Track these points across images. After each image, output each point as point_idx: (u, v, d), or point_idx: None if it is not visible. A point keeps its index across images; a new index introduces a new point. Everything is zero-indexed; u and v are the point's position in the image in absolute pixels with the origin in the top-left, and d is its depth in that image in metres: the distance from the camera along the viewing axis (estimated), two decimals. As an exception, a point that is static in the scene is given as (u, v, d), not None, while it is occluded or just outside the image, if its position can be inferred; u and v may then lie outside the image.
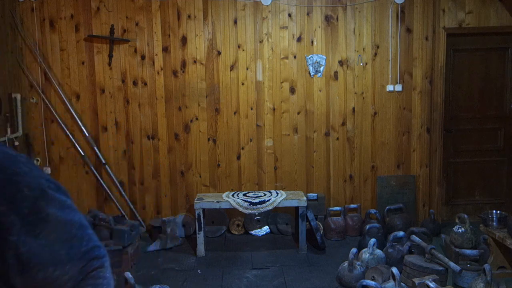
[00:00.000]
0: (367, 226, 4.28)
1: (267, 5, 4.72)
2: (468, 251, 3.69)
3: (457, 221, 4.00)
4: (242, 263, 4.14)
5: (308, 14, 4.76)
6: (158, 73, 4.75)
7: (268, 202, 4.30)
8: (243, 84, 4.81)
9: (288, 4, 4.74)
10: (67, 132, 4.71)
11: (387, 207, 4.77)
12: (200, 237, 4.29)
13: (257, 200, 4.31)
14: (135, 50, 4.71)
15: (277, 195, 4.41)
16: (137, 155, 4.84)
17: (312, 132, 4.89)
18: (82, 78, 4.71)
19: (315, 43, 4.80)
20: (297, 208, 4.39)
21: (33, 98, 4.69)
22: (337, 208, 4.83)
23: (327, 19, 4.77)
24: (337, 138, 4.91)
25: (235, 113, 4.84)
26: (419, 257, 3.54)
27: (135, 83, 4.76)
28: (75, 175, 4.81)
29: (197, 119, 4.83)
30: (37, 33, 4.61)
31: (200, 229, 4.29)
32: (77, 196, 4.84)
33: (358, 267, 3.57)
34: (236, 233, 4.89)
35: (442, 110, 4.84)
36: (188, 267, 4.09)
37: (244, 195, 4.49)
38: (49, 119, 4.72)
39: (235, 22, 4.74)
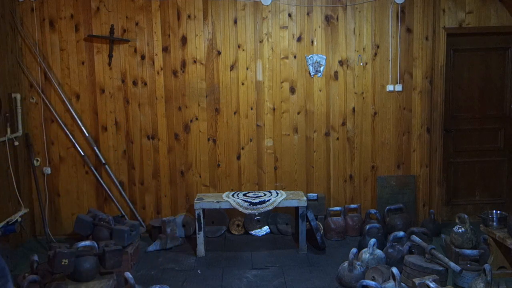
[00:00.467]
0: (367, 226, 4.28)
1: (267, 5, 4.71)
2: (468, 251, 3.69)
3: (457, 221, 4.00)
4: (242, 263, 4.13)
5: (308, 14, 4.76)
6: (158, 73, 4.75)
7: (268, 202, 4.30)
8: (243, 84, 4.81)
9: (288, 4, 4.73)
10: (67, 132, 4.71)
11: (387, 207, 4.77)
12: (200, 237, 4.29)
13: (257, 200, 4.31)
14: (135, 50, 4.71)
15: (277, 195, 4.41)
16: (137, 155, 4.84)
17: (312, 132, 4.89)
18: (82, 78, 4.71)
19: (315, 43, 4.79)
20: (297, 208, 4.39)
21: (33, 98, 4.69)
22: (337, 208, 4.82)
23: (327, 19, 4.77)
24: (337, 138, 4.91)
25: (235, 113, 4.84)
26: (419, 257, 3.53)
27: (135, 83, 4.75)
28: (75, 175, 4.81)
29: (197, 119, 4.83)
30: (37, 33, 4.61)
31: (200, 229, 4.28)
32: (77, 196, 4.84)
33: (358, 267, 3.57)
34: (236, 233, 4.89)
35: (442, 110, 4.84)
36: (188, 267, 4.09)
37: (244, 195, 4.49)
38: (49, 119, 4.72)
39: (235, 22, 4.74)
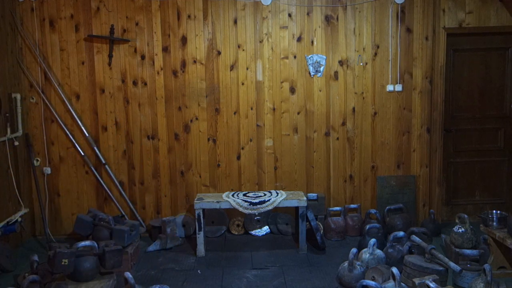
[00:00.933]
0: (367, 226, 4.28)
1: (267, 5, 4.71)
2: (468, 251, 3.69)
3: (457, 221, 4.00)
4: (242, 263, 4.13)
5: (308, 14, 4.76)
6: (158, 73, 4.75)
7: (268, 202, 4.30)
8: (243, 84, 4.81)
9: (288, 4, 4.73)
10: (67, 132, 4.71)
11: (387, 207, 4.77)
12: (200, 237, 4.29)
13: (257, 200, 4.31)
14: (135, 50, 4.71)
15: (277, 195, 4.41)
16: (137, 155, 4.84)
17: (312, 132, 4.89)
18: (82, 78, 4.71)
19: (315, 43, 4.79)
20: (297, 208, 4.39)
21: (33, 98, 4.69)
22: (337, 208, 4.83)
23: (327, 19, 4.77)
24: (337, 138, 4.91)
25: (235, 113, 4.84)
26: (419, 257, 3.53)
27: (135, 83, 4.75)
28: (75, 175, 4.81)
29: (197, 119, 4.83)
30: (37, 33, 4.61)
31: (200, 229, 4.28)
32: (77, 196, 4.84)
33: (358, 267, 3.57)
34: (236, 233, 4.89)
35: (442, 110, 4.84)
36: (188, 267, 4.09)
37: (244, 195, 4.49)
38: (49, 119, 4.72)
39: (235, 22, 4.74)
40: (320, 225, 4.75)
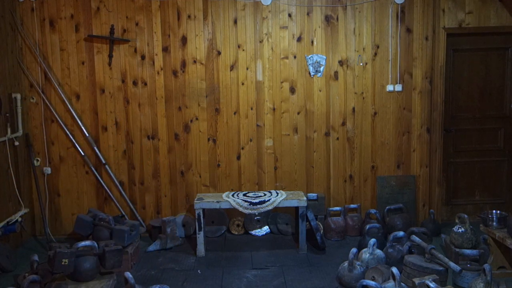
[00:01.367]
0: (367, 226, 4.28)
1: (267, 5, 4.71)
2: (468, 251, 3.69)
3: (457, 221, 4.00)
4: (242, 263, 4.14)
5: (308, 14, 4.76)
6: (158, 73, 4.75)
7: (268, 202, 4.30)
8: (243, 84, 4.81)
9: (288, 4, 4.74)
10: (67, 132, 4.71)
11: (387, 207, 4.77)
12: (200, 237, 4.29)
13: (257, 200, 4.31)
14: (135, 50, 4.71)
15: (277, 195, 4.41)
16: (137, 155, 4.84)
17: (312, 132, 4.89)
18: (82, 78, 4.71)
19: (315, 43, 4.79)
20: (297, 208, 4.39)
21: (33, 98, 4.70)
22: (337, 208, 4.83)
23: (327, 19, 4.77)
24: (337, 138, 4.91)
25: (235, 113, 4.84)
26: (419, 257, 3.53)
27: (135, 83, 4.76)
28: (75, 175, 4.81)
29: (197, 119, 4.83)
30: (37, 33, 4.61)
31: (200, 229, 4.28)
32: (77, 196, 4.84)
33: (358, 267, 3.57)
34: (236, 233, 4.89)
35: (442, 110, 4.84)
36: (188, 267, 4.09)
37: (244, 195, 4.49)
38: (49, 119, 4.73)
39: (235, 22, 4.74)
40: (320, 225, 4.75)
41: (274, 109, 4.85)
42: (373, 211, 4.72)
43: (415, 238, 3.68)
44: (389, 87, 4.83)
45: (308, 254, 4.32)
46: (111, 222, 4.09)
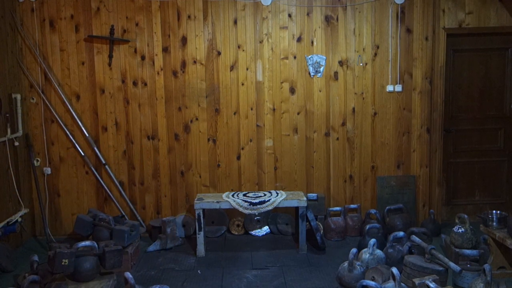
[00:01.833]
0: (367, 226, 4.28)
1: (267, 5, 4.72)
2: (468, 251, 3.69)
3: (457, 221, 4.00)
4: (242, 263, 4.14)
5: (308, 14, 4.76)
6: (158, 73, 4.75)
7: (268, 202, 4.30)
8: (243, 84, 4.81)
9: (288, 4, 4.74)
10: (67, 132, 4.71)
11: (387, 207, 4.77)
12: (200, 237, 4.29)
13: (257, 200, 4.31)
14: (135, 51, 4.72)
15: (277, 195, 4.41)
16: (137, 155, 4.85)
17: (312, 132, 4.89)
18: (82, 78, 4.72)
19: (315, 43, 4.80)
20: (297, 208, 4.39)
21: (33, 99, 4.70)
22: (337, 208, 4.83)
23: (327, 19, 4.77)
24: (337, 138, 4.91)
25: (235, 113, 4.84)
26: (419, 257, 3.53)
27: (135, 84, 4.76)
28: (75, 175, 4.81)
29: (197, 119, 4.83)
30: (37, 33, 4.62)
31: (200, 230, 4.28)
32: (77, 196, 4.84)
33: (358, 267, 3.57)
34: (236, 233, 4.89)
35: (442, 110, 4.84)
36: (188, 267, 4.09)
37: (244, 195, 4.49)
38: (49, 119, 4.73)
39: (235, 22, 4.74)
40: (320, 225, 4.75)
41: (274, 109, 4.85)
42: (373, 211, 4.72)
43: (415, 238, 3.68)
44: (389, 88, 4.83)
45: (308, 254, 4.32)
46: (111, 222, 4.09)
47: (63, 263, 3.21)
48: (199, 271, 4.01)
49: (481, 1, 4.74)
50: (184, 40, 4.73)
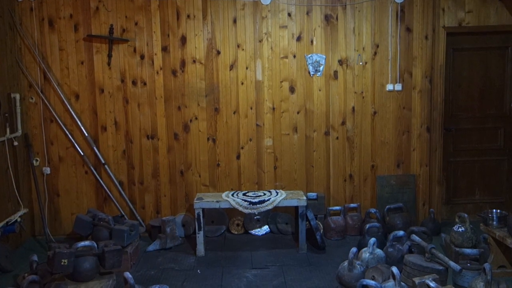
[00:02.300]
0: (367, 226, 4.27)
1: (267, 5, 4.71)
2: (468, 251, 3.68)
3: (457, 220, 3.99)
4: (241, 263, 4.13)
5: (307, 13, 4.75)
6: (157, 72, 4.74)
7: (267, 202, 4.29)
8: (242, 83, 4.80)
9: (288, 3, 4.73)
10: (67, 132, 4.70)
11: (387, 207, 4.76)
12: (200, 237, 4.28)
13: (256, 200, 4.30)
14: (134, 50, 4.71)
15: (276, 195, 4.41)
16: (136, 155, 4.84)
17: (312, 131, 4.89)
18: (81, 78, 4.71)
19: (314, 42, 4.79)
20: (297, 207, 4.38)
21: (32, 98, 4.69)
22: (337, 207, 4.82)
23: (327, 18, 4.76)
24: (337, 138, 4.90)
25: (234, 112, 4.83)
26: (419, 256, 3.53)
27: (134, 83, 4.75)
28: (74, 175, 4.81)
29: (196, 118, 4.82)
30: (36, 32, 4.60)
31: (199, 229, 4.28)
32: (76, 196, 4.83)
33: (358, 266, 3.56)
34: (236, 232, 4.88)
35: (442, 109, 4.83)
36: (188, 267, 4.08)
37: (244, 194, 4.48)
38: (48, 119, 4.72)
39: (235, 21, 4.73)
40: (320, 224, 4.74)
41: (273, 108, 4.84)
42: (373, 210, 4.71)
43: (415, 237, 3.67)
44: (389, 87, 4.83)
45: (308, 254, 4.31)
46: (111, 222, 4.08)
47: (62, 263, 3.20)
48: (198, 270, 4.00)
49: (481, 0, 4.73)
50: (183, 40, 4.72)
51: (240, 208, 4.28)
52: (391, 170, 4.96)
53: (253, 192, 4.57)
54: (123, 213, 4.78)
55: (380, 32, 4.79)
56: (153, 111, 4.78)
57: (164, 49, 4.72)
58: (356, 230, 4.77)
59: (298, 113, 4.86)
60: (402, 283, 3.16)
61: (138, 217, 4.84)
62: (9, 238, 4.35)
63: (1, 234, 4.12)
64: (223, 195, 4.48)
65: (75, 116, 4.70)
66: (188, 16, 4.70)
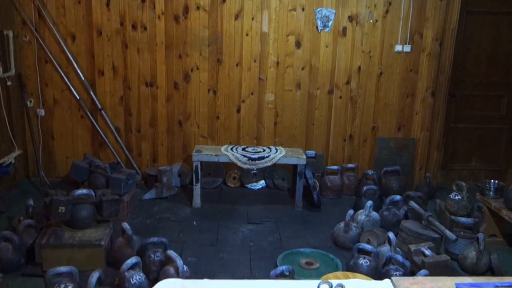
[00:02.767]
0: (364, 188, 4.28)
1: (278, -49, 4.43)
2: (463, 219, 3.72)
3: (454, 188, 4.01)
4: (237, 217, 4.15)
5: (320, -37, 4.49)
6: (158, 17, 4.52)
7: (267, 159, 4.26)
8: (247, 35, 4.61)
9: (300, -50, 4.45)
10: (62, 74, 4.53)
11: (384, 169, 4.76)
12: (197, 189, 4.28)
13: (256, 156, 4.26)
14: (136, -9, 4.45)
15: (276, 152, 4.37)
16: (134, 102, 4.71)
17: (315, 89, 4.78)
18: (78, 18, 4.47)
19: (325, -5, 4.56)
20: (295, 165, 4.36)
21: (25, 36, 4.46)
22: (335, 167, 4.81)
23: (340, -30, 4.51)
24: (340, 97, 4.81)
25: (237, 64, 4.68)
26: (415, 223, 3.57)
27: (134, 27, 4.53)
28: (69, 118, 4.69)
29: (197, 68, 4.66)
30: (31, -35, 4.31)
31: (197, 181, 4.26)
32: (71, 140, 4.75)
33: (354, 228, 3.61)
34: (232, 185, 4.89)
35: (449, 74, 4.73)
36: (184, 218, 4.10)
37: (243, 149, 4.44)
38: (43, 59, 4.52)
39: (243, -34, 4.46)
40: (317, 183, 4.75)
41: (278, 63, 4.69)
42: (370, 172, 4.72)
43: (413, 204, 3.70)
44: (398, 47, 4.68)
45: (304, 211, 4.34)
46: (108, 170, 4.03)
47: (59, 211, 3.18)
48: (194, 222, 4.02)
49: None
50: (187, -17, 4.47)
51: (239, 164, 4.25)
52: (392, 133, 4.92)
53: (252, 148, 4.52)
54: (119, 160, 4.72)
55: (394, -12, 4.57)
56: (153, 57, 4.60)
57: (167, -8, 4.47)
58: (352, 190, 4.79)
59: (302, 69, 4.72)
60: (397, 249, 3.22)
61: (134, 165, 4.80)
62: (2, 179, 4.30)
63: (-5, 176, 4.07)
64: (222, 148, 4.43)
65: (71, 58, 4.51)
66: (194, -43, 4.42)
